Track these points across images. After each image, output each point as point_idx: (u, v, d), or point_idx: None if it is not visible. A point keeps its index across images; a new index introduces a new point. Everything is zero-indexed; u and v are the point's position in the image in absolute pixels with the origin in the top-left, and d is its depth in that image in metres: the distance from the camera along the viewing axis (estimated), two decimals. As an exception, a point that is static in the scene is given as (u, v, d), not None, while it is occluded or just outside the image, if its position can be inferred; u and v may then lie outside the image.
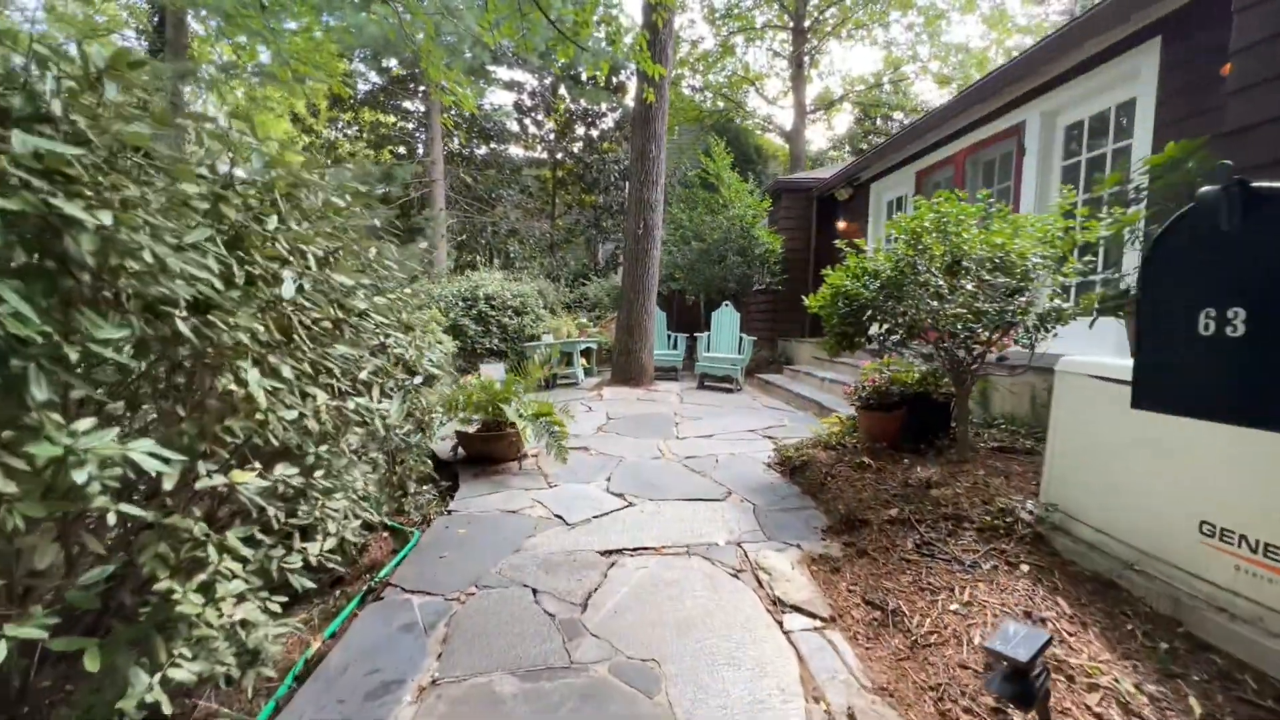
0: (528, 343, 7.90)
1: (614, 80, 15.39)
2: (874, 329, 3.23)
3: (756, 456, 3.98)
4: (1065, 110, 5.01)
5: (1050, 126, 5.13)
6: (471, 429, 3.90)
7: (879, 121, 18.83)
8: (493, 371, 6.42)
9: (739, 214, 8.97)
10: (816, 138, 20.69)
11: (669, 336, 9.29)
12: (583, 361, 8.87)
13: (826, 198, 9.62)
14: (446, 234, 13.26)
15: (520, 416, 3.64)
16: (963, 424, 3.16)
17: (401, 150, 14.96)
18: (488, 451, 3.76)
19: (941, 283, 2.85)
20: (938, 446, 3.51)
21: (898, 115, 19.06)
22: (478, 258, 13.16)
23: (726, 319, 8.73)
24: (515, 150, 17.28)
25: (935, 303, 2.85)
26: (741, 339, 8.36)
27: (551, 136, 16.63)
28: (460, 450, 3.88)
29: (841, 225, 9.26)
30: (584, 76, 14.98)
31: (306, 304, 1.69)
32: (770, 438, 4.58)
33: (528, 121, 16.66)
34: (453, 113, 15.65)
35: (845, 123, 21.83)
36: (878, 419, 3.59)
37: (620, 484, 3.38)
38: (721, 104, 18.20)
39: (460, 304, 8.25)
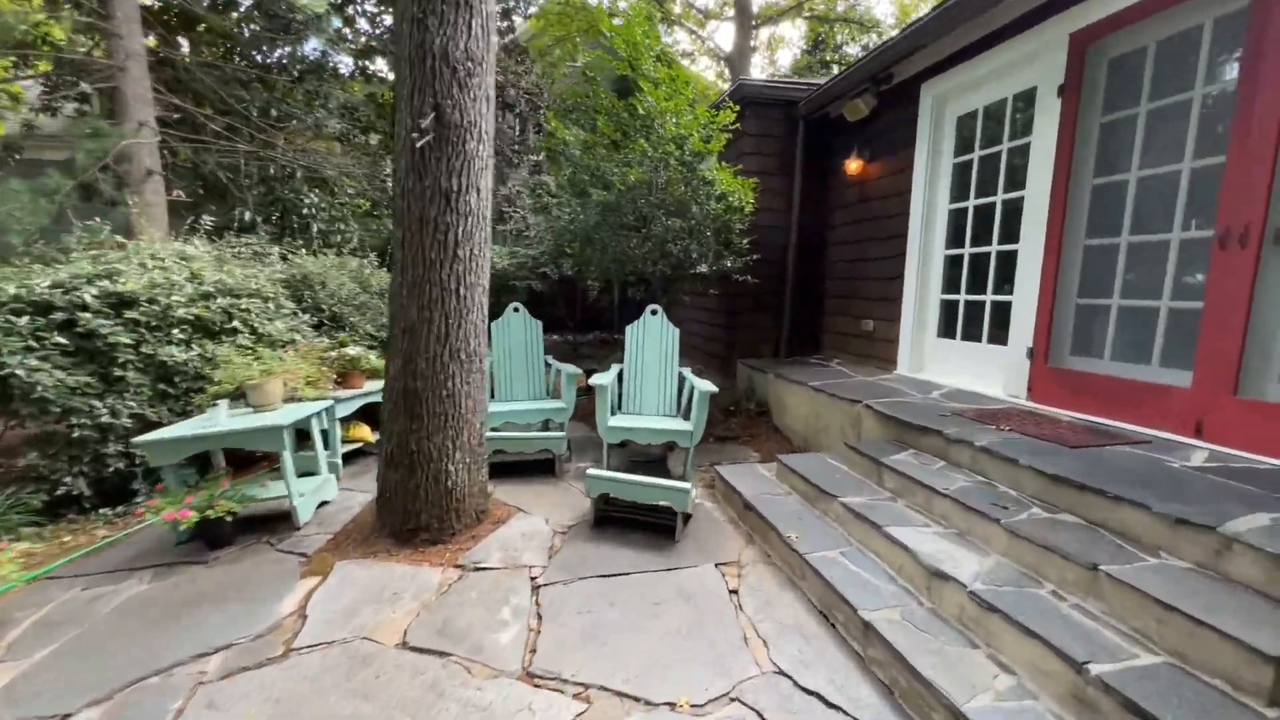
0: (182, 418, 3.23)
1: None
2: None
3: None
4: None
5: None
6: None
7: (843, 47, 14.98)
8: None
9: (674, 133, 4.64)
10: (754, 72, 16.62)
11: (548, 369, 4.83)
12: (360, 433, 4.33)
13: (821, 120, 5.54)
14: (175, 172, 7.90)
15: None
16: None
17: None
18: None
19: None
20: None
21: (865, 40, 15.33)
22: (248, 216, 7.94)
23: (653, 338, 4.52)
24: (343, 59, 11.72)
25: None
26: (684, 381, 4.21)
27: (391, 35, 11.25)
28: None
29: (853, 166, 5.21)
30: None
31: None
32: None
33: (352, 11, 11.16)
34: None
35: (789, 57, 17.94)
36: None
37: None
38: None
39: (31, 323, 3.40)
